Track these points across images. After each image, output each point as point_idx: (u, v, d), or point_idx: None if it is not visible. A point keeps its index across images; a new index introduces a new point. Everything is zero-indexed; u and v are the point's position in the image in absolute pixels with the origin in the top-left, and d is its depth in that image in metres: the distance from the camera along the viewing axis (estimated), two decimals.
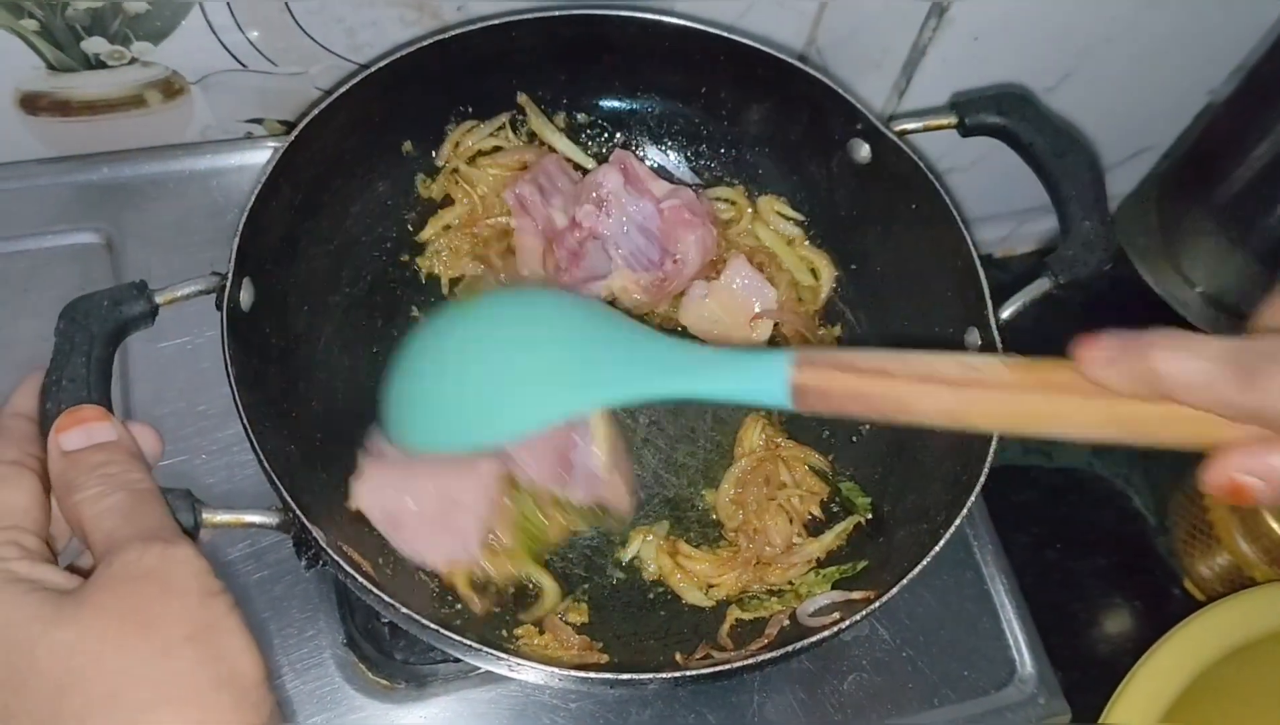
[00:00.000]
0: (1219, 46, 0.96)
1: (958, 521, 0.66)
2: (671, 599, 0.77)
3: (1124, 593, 0.99)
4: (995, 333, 0.73)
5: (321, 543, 0.59)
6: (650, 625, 0.76)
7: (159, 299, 0.63)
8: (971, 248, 0.75)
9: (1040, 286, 0.74)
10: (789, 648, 0.63)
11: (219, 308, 0.65)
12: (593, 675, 0.61)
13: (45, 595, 0.49)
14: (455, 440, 0.69)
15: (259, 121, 0.90)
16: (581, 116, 0.87)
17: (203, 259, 0.84)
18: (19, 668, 0.47)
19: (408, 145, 0.83)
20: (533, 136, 0.87)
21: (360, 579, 0.59)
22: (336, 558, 0.60)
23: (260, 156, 0.89)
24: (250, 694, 0.49)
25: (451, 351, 0.71)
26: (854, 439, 0.82)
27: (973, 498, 0.67)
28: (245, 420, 0.62)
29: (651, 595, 0.77)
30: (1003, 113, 0.78)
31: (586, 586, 0.76)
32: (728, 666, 0.64)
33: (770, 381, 0.57)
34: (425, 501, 0.69)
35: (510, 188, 0.84)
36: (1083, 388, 0.48)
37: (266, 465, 0.60)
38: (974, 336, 0.75)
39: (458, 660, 0.74)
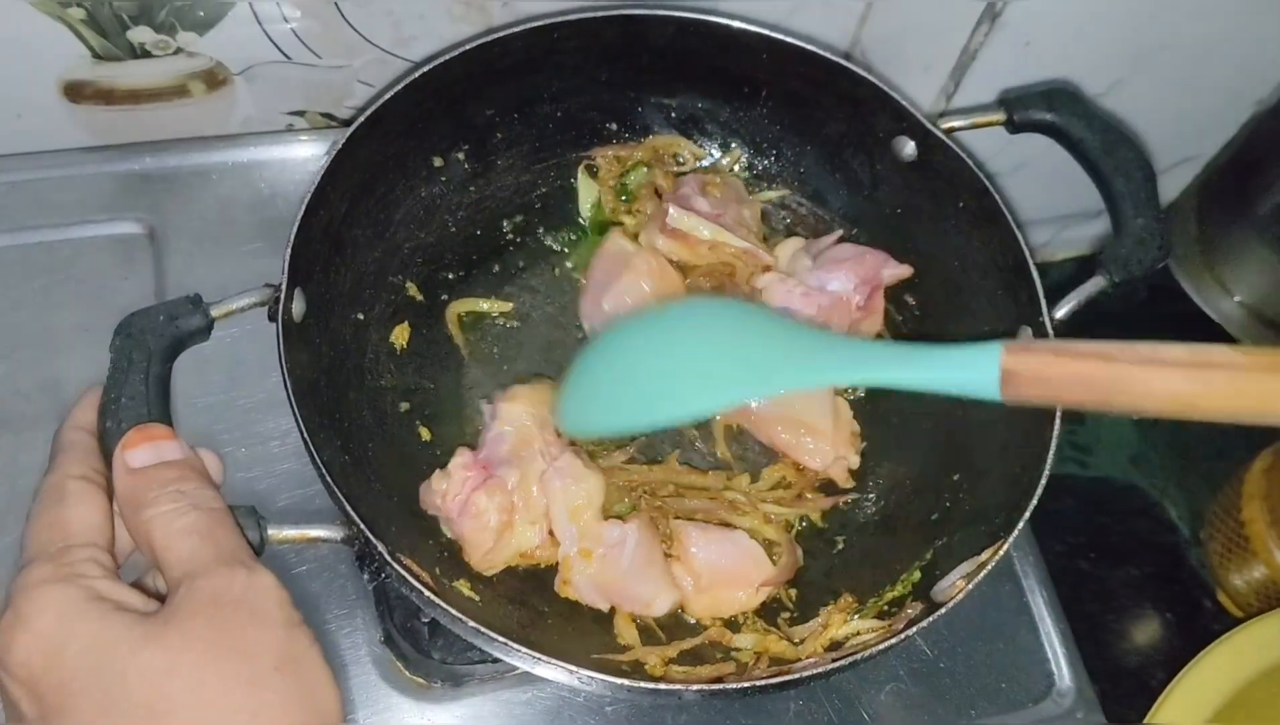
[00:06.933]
0: (1268, 56, 0.95)
1: (1028, 513, 0.66)
2: None
3: (1157, 604, 0.99)
4: (1050, 332, 0.71)
5: (387, 558, 0.59)
6: None
7: (214, 313, 0.63)
8: (1023, 244, 0.74)
9: (1096, 285, 0.73)
10: (835, 664, 0.63)
11: (272, 319, 0.65)
12: (661, 687, 0.62)
13: (130, 617, 0.49)
14: (645, 420, 0.68)
15: (301, 114, 0.89)
16: (619, 116, 0.87)
17: (244, 251, 0.84)
18: (109, 689, 0.47)
19: (453, 151, 0.82)
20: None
21: (427, 594, 0.60)
22: (403, 573, 0.60)
23: (302, 150, 0.89)
24: None
25: (636, 347, 0.68)
26: (903, 443, 0.81)
27: (1036, 497, 0.66)
28: (305, 433, 0.61)
29: None
30: (1052, 109, 0.77)
31: None
32: (773, 680, 0.63)
33: (979, 370, 0.55)
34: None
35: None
36: None
37: (330, 482, 0.60)
38: (1027, 336, 0.73)
39: (496, 661, 0.74)
